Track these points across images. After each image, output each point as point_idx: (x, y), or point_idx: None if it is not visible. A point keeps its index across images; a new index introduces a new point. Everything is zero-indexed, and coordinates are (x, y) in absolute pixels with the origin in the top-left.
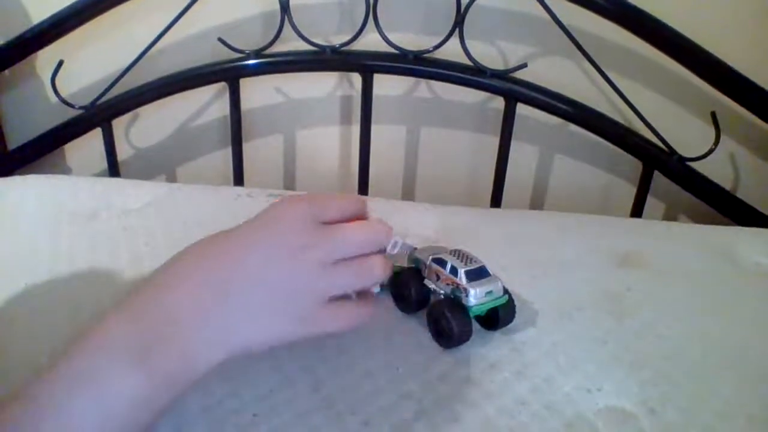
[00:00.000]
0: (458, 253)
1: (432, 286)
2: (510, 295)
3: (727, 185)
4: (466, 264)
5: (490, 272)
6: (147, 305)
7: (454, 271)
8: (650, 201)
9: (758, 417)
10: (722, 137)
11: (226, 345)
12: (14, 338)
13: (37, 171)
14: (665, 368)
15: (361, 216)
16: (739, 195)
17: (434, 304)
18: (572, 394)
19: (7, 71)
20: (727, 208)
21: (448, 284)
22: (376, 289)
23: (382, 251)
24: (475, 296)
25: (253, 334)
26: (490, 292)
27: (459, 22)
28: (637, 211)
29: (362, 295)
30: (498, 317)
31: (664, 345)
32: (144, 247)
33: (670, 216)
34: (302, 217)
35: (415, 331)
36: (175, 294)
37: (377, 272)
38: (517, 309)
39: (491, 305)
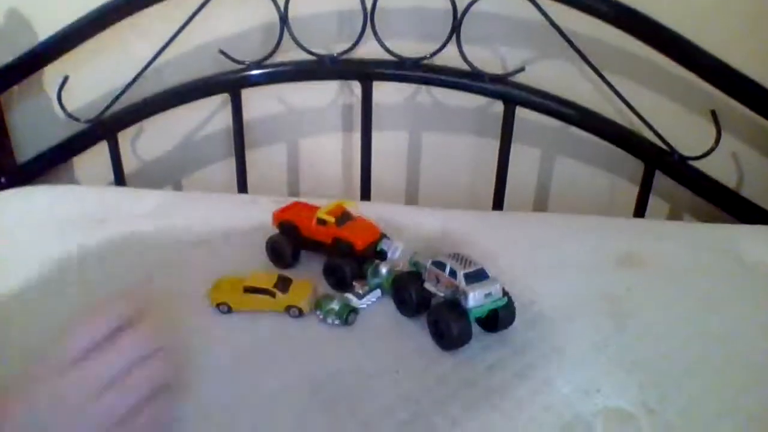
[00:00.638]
0: (457, 256)
1: (432, 289)
2: (509, 297)
3: (730, 183)
4: (465, 267)
5: (490, 274)
6: None
7: (453, 273)
8: (654, 201)
9: (757, 417)
10: (723, 135)
11: None
12: (26, 344)
13: (46, 184)
14: (664, 369)
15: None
16: (742, 193)
17: (434, 307)
18: (571, 395)
19: (15, 87)
20: (730, 205)
21: (447, 287)
22: (374, 297)
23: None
24: (474, 298)
25: None
26: (489, 294)
27: (456, 28)
28: (640, 211)
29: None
30: (498, 319)
31: (663, 346)
32: (150, 251)
33: (673, 215)
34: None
35: (415, 333)
36: None
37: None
38: (517, 311)
39: (490, 307)
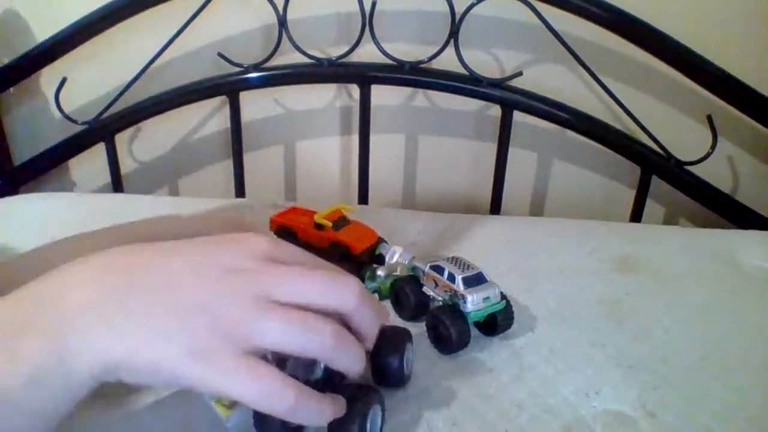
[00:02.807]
0: (456, 260)
1: (430, 293)
2: (508, 301)
3: (726, 188)
4: (463, 271)
5: (488, 278)
6: (37, 286)
7: (451, 277)
8: (650, 205)
9: (757, 420)
10: (719, 140)
11: (108, 352)
12: None
13: (42, 185)
14: (663, 372)
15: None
16: (738, 198)
17: (433, 311)
18: (571, 398)
19: (12, 89)
20: (727, 211)
21: (446, 291)
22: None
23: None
24: (473, 302)
25: (139, 346)
26: (487, 298)
27: (454, 32)
28: (636, 216)
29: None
30: (496, 323)
31: (663, 348)
32: None
33: (669, 220)
34: (253, 246)
35: (414, 337)
36: (68, 280)
37: (336, 340)
38: (515, 314)
39: (489, 311)
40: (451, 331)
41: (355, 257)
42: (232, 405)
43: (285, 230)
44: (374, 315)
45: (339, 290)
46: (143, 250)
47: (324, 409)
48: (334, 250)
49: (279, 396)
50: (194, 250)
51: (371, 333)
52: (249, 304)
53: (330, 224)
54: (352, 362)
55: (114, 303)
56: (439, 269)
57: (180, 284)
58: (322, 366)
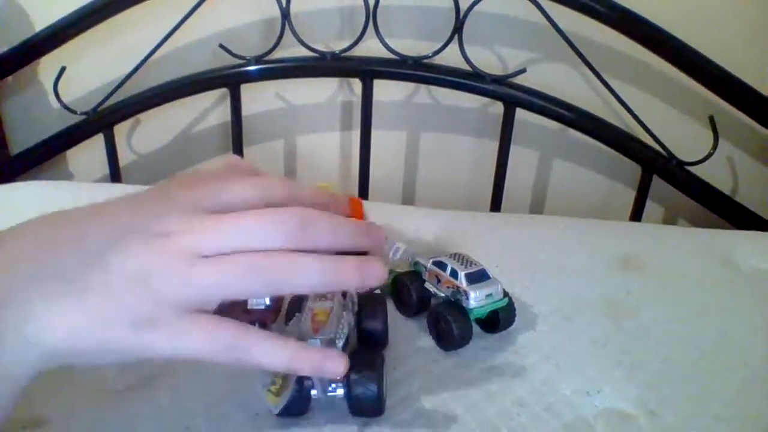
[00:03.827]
0: (458, 257)
1: (432, 289)
2: (510, 298)
3: (726, 189)
4: (466, 267)
5: (491, 275)
6: None
7: (454, 274)
8: (649, 205)
9: (756, 419)
10: (721, 141)
11: (42, 339)
12: None
13: (39, 176)
14: (664, 371)
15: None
16: (737, 199)
17: (434, 307)
18: (572, 397)
19: (10, 78)
20: (726, 211)
21: (448, 287)
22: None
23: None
24: (476, 299)
25: (77, 330)
26: (490, 295)
27: (458, 28)
28: (636, 215)
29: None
30: (498, 320)
31: (663, 348)
32: None
33: (669, 220)
34: (184, 200)
35: (415, 333)
36: None
37: (302, 277)
38: (516, 312)
39: (491, 308)
40: (452, 327)
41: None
42: (280, 392)
43: None
44: (330, 226)
45: (280, 225)
46: (64, 223)
47: (293, 349)
48: None
49: (237, 344)
50: (117, 214)
51: (336, 243)
52: (180, 265)
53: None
54: (318, 274)
55: (44, 287)
56: (441, 265)
57: (107, 259)
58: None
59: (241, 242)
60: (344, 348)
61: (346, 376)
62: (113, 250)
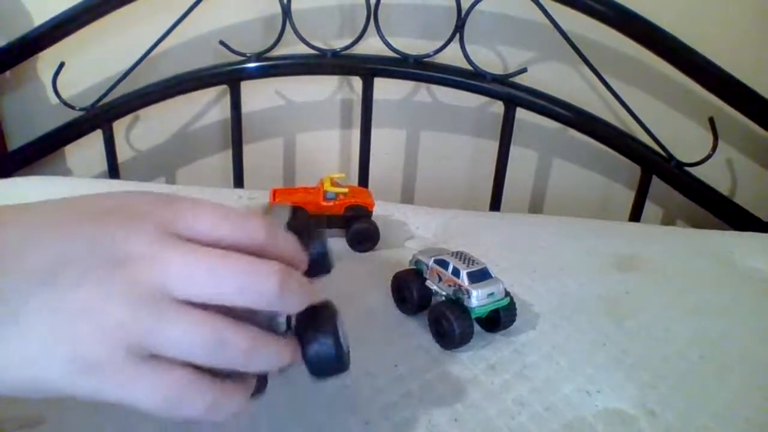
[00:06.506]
0: (460, 255)
1: (433, 287)
2: (511, 298)
3: (725, 190)
4: (468, 266)
5: (492, 274)
6: None
7: (456, 272)
8: (648, 205)
9: (756, 420)
10: (720, 143)
11: None
12: None
13: (38, 172)
14: (664, 371)
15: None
16: (736, 200)
17: (435, 306)
18: (572, 396)
19: (8, 72)
20: (725, 213)
21: (450, 285)
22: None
23: (277, 317)
24: (477, 298)
25: (5, 363)
26: (491, 294)
27: (459, 27)
28: (635, 216)
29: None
30: (499, 319)
31: (663, 348)
32: None
33: (667, 220)
34: (148, 220)
35: (416, 332)
36: None
37: (260, 352)
38: (517, 311)
39: (493, 307)
40: (453, 326)
41: (370, 214)
42: None
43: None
44: (298, 302)
45: (255, 284)
46: (17, 226)
47: (237, 400)
48: (351, 212)
49: (191, 399)
50: (73, 232)
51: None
52: (144, 305)
53: (345, 190)
54: (270, 367)
55: None
56: (443, 263)
57: (56, 282)
58: (284, 317)
59: (213, 292)
60: (288, 319)
61: (301, 345)
62: (64, 273)
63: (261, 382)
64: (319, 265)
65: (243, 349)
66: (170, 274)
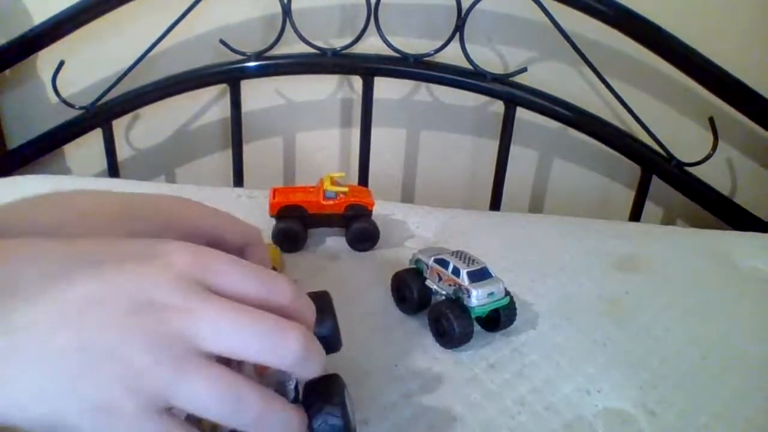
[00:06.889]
0: (460, 254)
1: (434, 286)
2: (511, 297)
3: (725, 190)
4: (468, 265)
5: (493, 273)
6: None
7: (456, 271)
8: (648, 205)
9: (756, 420)
10: (720, 143)
11: None
12: None
13: (37, 171)
14: (664, 371)
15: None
16: (736, 200)
17: (435, 305)
18: (572, 396)
19: (7, 71)
20: (725, 212)
21: (450, 285)
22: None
23: (287, 383)
24: (477, 297)
25: (26, 395)
26: (492, 294)
27: (460, 26)
28: (635, 216)
29: None
30: (499, 318)
31: (663, 347)
32: None
33: (667, 220)
34: (174, 268)
35: (416, 331)
36: None
37: (272, 418)
38: (517, 311)
39: (493, 306)
40: (453, 325)
41: (370, 213)
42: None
43: (291, 209)
44: (316, 368)
45: (280, 347)
46: (29, 262)
47: None
48: (351, 211)
49: None
50: (97, 272)
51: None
52: (167, 355)
53: (345, 189)
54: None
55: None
56: (443, 263)
57: (81, 321)
58: (293, 385)
59: (239, 348)
60: (296, 387)
61: (308, 416)
62: (91, 313)
63: None
64: (333, 341)
65: (257, 411)
66: (198, 327)
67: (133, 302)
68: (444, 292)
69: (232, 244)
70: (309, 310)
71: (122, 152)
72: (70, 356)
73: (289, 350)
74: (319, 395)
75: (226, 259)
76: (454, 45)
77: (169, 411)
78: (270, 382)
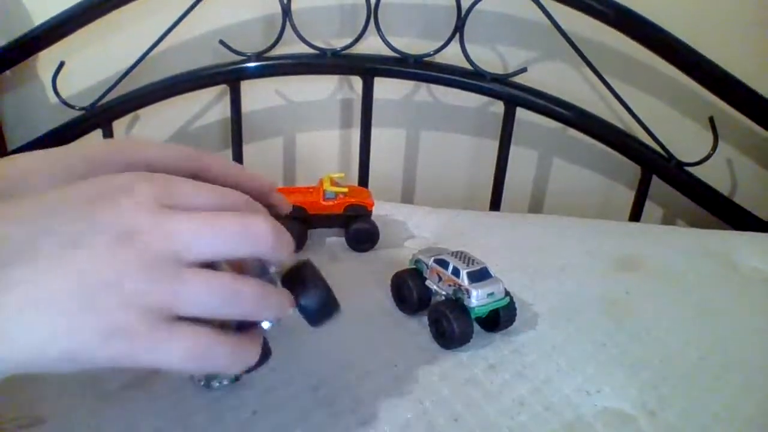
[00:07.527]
0: (460, 255)
1: (433, 287)
2: (511, 297)
3: (725, 190)
4: (468, 265)
5: (492, 274)
6: None
7: (456, 272)
8: (648, 205)
9: (756, 420)
10: (720, 142)
11: (12, 351)
12: None
13: None
14: (664, 371)
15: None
16: (736, 200)
17: (435, 305)
18: (572, 396)
19: (8, 72)
20: (725, 212)
21: (450, 285)
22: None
23: (266, 276)
24: (477, 297)
25: (42, 337)
26: (491, 294)
27: (459, 27)
28: (635, 216)
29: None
30: (499, 319)
31: (663, 348)
32: None
33: (668, 220)
34: (139, 195)
35: (415, 331)
36: None
37: (267, 300)
38: (517, 311)
39: (492, 307)
40: (453, 325)
41: (370, 213)
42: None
43: (294, 209)
44: (288, 248)
45: (252, 236)
46: (12, 224)
47: (253, 350)
48: (351, 212)
49: (214, 354)
50: (75, 216)
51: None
52: (160, 274)
53: (345, 189)
54: (280, 310)
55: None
56: (443, 263)
57: (74, 264)
58: (272, 276)
59: (219, 249)
60: (274, 279)
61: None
62: (76, 251)
63: (264, 350)
64: (331, 303)
65: (255, 298)
66: (178, 241)
67: (115, 236)
68: (444, 293)
69: (180, 170)
70: (262, 208)
71: None
72: (72, 296)
73: (260, 235)
74: (299, 278)
75: (178, 179)
76: (454, 45)
77: (177, 318)
78: (254, 274)
